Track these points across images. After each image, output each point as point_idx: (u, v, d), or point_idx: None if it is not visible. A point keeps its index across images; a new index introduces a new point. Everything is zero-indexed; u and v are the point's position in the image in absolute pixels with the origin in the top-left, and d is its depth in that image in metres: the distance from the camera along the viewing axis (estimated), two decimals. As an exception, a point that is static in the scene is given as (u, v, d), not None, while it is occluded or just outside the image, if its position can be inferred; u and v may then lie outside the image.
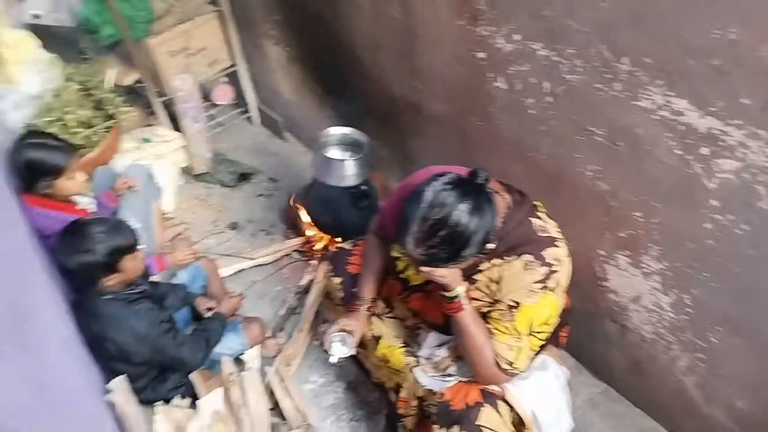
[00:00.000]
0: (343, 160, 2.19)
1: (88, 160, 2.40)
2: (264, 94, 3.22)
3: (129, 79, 2.81)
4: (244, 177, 3.01)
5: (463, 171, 1.35)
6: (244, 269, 2.56)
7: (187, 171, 3.01)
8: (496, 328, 1.43)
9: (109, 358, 1.81)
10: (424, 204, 1.24)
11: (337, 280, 1.89)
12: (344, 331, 1.70)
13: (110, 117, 2.58)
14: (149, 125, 3.00)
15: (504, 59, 1.62)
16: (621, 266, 1.72)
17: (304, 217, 2.57)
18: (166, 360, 1.87)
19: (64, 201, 2.03)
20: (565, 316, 1.67)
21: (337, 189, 2.24)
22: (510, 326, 1.41)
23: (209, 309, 2.14)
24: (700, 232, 1.44)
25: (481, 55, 1.68)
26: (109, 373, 1.81)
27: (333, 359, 1.69)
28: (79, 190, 2.06)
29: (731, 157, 1.27)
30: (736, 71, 1.16)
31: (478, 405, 1.44)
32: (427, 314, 1.69)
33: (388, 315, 1.81)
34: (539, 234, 1.40)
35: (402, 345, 1.73)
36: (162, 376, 1.95)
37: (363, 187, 2.26)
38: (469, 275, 1.45)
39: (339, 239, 2.54)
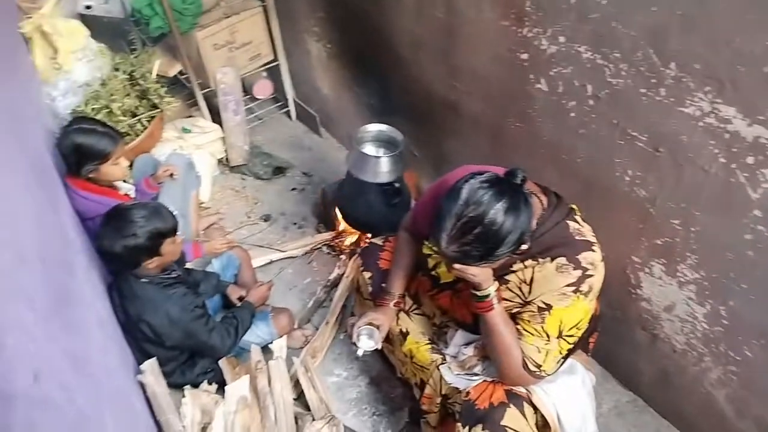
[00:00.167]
0: (378, 157, 2.21)
1: (130, 147, 2.47)
2: (302, 90, 3.27)
3: (173, 70, 2.88)
4: (278, 170, 3.06)
5: (500, 171, 1.35)
6: (274, 261, 2.61)
7: (223, 162, 3.08)
8: (525, 330, 1.43)
9: (142, 340, 1.86)
10: (460, 201, 1.24)
11: (367, 274, 1.90)
12: (372, 324, 1.71)
13: (154, 106, 2.65)
14: (190, 116, 3.08)
15: (547, 61, 1.61)
16: (655, 274, 1.70)
17: (336, 212, 2.60)
18: (196, 345, 1.92)
19: (107, 186, 2.09)
20: (595, 322, 1.66)
21: (370, 185, 2.25)
22: (540, 328, 1.40)
23: (240, 298, 2.18)
24: (740, 242, 1.41)
25: (523, 56, 1.68)
26: (141, 355, 1.87)
27: (359, 352, 1.71)
28: (122, 176, 2.12)
29: (778, 167, 1.24)
30: (789, 80, 1.14)
31: (503, 405, 1.44)
32: (456, 312, 1.69)
33: (416, 311, 1.82)
34: (575, 237, 1.39)
35: (428, 342, 1.74)
36: (191, 361, 2.00)
37: (396, 185, 2.27)
38: (500, 275, 1.45)
39: (369, 235, 2.56)
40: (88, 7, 2.76)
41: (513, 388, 1.48)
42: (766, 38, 1.13)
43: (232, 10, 2.76)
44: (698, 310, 1.63)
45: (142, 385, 1.77)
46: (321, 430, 1.80)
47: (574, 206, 1.46)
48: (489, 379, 1.53)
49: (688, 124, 1.36)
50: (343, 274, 2.49)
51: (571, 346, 1.45)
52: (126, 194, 2.20)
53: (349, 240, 2.64)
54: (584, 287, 1.36)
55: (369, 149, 2.31)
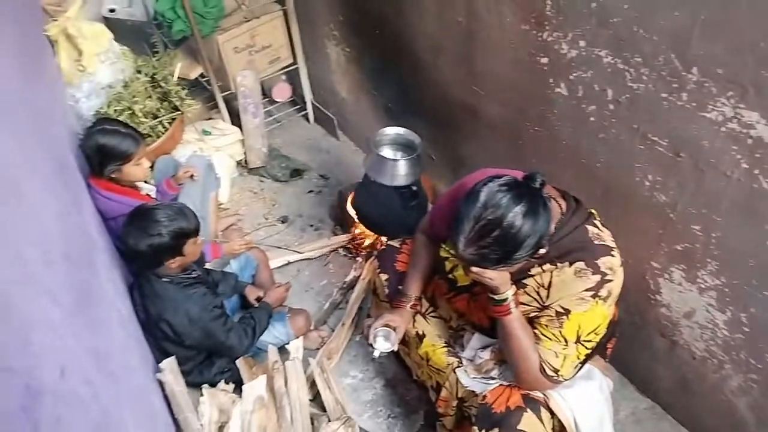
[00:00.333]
0: (396, 160, 2.22)
1: (151, 148, 2.51)
2: (320, 93, 3.29)
3: (194, 73, 2.92)
4: (296, 173, 3.08)
5: (518, 174, 1.35)
6: (291, 262, 2.62)
7: (242, 164, 3.11)
8: (543, 334, 1.42)
9: (162, 339, 1.88)
10: (478, 204, 1.25)
11: (384, 276, 1.91)
12: (388, 326, 1.72)
13: (175, 109, 2.69)
14: (210, 118, 3.12)
15: (567, 65, 1.61)
16: (675, 280, 1.68)
17: (353, 214, 2.61)
18: (214, 345, 1.94)
19: (129, 186, 2.13)
20: (613, 327, 1.65)
21: (387, 188, 2.26)
22: (557, 333, 1.40)
23: (258, 298, 2.20)
24: (762, 249, 1.39)
25: (543, 60, 1.68)
26: (160, 354, 1.89)
27: (375, 353, 1.71)
28: (144, 177, 2.16)
29: (803, 173, 1.23)
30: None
31: (520, 410, 1.43)
32: (473, 316, 1.69)
33: (432, 314, 1.82)
34: (594, 242, 1.38)
35: (444, 345, 1.74)
36: (209, 361, 2.02)
37: (413, 188, 2.27)
38: (518, 279, 1.44)
39: (386, 238, 2.57)
40: (112, 11, 2.81)
41: (530, 392, 1.47)
42: (792, 43, 1.12)
43: (253, 14, 2.80)
44: (719, 317, 1.62)
45: (161, 384, 1.80)
46: (337, 431, 1.81)
47: (593, 211, 1.46)
48: (506, 383, 1.53)
49: (710, 129, 1.35)
50: (359, 277, 2.50)
51: (589, 351, 1.44)
52: (147, 195, 2.24)
53: (366, 242, 2.65)
54: (603, 292, 1.36)
55: (386, 152, 2.32)
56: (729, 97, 1.27)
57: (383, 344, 1.71)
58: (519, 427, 1.41)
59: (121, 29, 2.85)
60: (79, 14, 2.51)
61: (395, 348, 1.71)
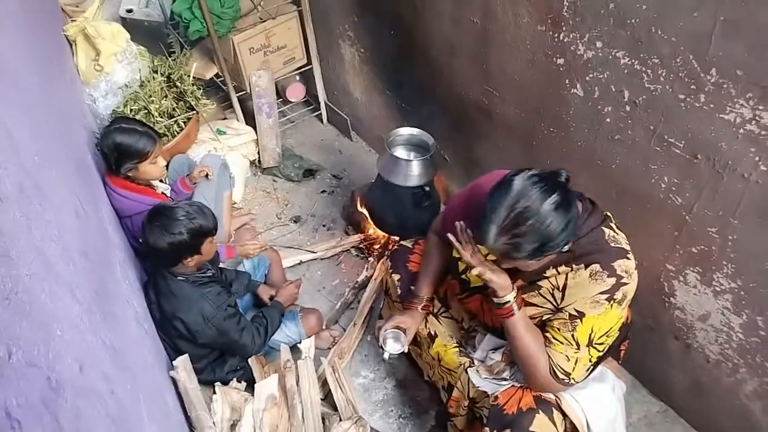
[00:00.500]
0: (409, 160, 2.22)
1: (167, 148, 2.54)
2: (334, 94, 3.31)
3: (209, 73, 2.95)
4: (309, 173, 3.10)
5: None
6: (303, 261, 2.63)
7: (256, 164, 3.13)
8: (554, 338, 1.42)
9: (175, 337, 1.90)
10: (512, 193, 1.23)
11: (396, 276, 1.91)
12: (398, 328, 1.72)
13: (190, 108, 2.71)
14: (224, 118, 3.14)
15: (583, 66, 1.60)
16: (690, 283, 1.67)
17: (365, 214, 2.61)
18: (227, 343, 1.95)
19: (145, 185, 2.15)
20: (626, 329, 1.64)
21: (400, 188, 2.26)
22: (570, 336, 1.39)
23: (271, 297, 2.22)
24: (781, 252, 1.38)
25: (559, 61, 1.67)
26: (174, 352, 1.91)
27: (385, 355, 1.72)
28: (160, 175, 2.18)
29: (822, 176, 1.21)
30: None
31: (532, 411, 1.43)
32: (485, 317, 1.68)
33: (444, 314, 1.83)
34: (610, 244, 1.37)
35: (456, 345, 1.74)
36: (222, 359, 2.04)
37: (426, 188, 2.28)
38: (533, 281, 1.44)
39: (398, 238, 2.57)
40: (129, 11, 2.85)
41: (542, 393, 1.47)
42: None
43: (268, 14, 2.81)
44: (734, 320, 1.60)
45: (174, 381, 1.81)
46: (348, 430, 1.82)
47: (608, 213, 1.45)
48: (517, 384, 1.53)
49: (728, 131, 1.34)
50: (371, 276, 2.51)
51: (601, 354, 1.43)
52: (163, 193, 2.26)
53: (378, 242, 2.66)
54: (618, 295, 1.35)
55: (400, 152, 2.33)
56: (748, 98, 1.26)
57: (393, 346, 1.71)
58: (531, 428, 1.41)
59: (138, 29, 2.88)
60: (97, 14, 2.55)
61: (405, 349, 1.72)
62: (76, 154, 1.81)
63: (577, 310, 1.38)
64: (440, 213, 1.85)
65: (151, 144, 2.04)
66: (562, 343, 1.40)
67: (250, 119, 3.05)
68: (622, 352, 1.72)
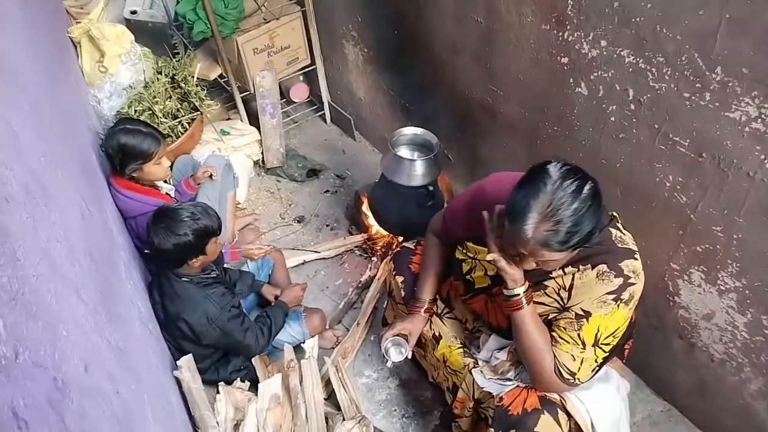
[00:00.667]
0: (413, 160, 2.22)
1: (171, 148, 2.54)
2: (337, 94, 3.31)
3: (213, 73, 2.95)
4: (313, 173, 3.10)
5: None
6: (307, 261, 2.64)
7: (259, 164, 3.13)
8: (560, 337, 1.41)
9: (179, 338, 1.91)
10: (551, 180, 1.20)
11: (400, 278, 1.90)
12: (400, 335, 1.72)
13: (194, 109, 2.72)
14: (228, 119, 3.15)
15: (588, 65, 1.60)
16: (694, 282, 1.67)
17: (369, 214, 2.61)
18: (231, 344, 1.96)
19: (149, 185, 2.16)
20: (630, 329, 1.63)
21: (403, 188, 2.26)
22: (576, 336, 1.39)
23: (275, 297, 2.22)
24: (786, 251, 1.38)
25: (564, 59, 1.67)
26: (177, 352, 1.92)
27: (389, 364, 1.73)
28: (164, 176, 2.18)
29: (829, 175, 1.21)
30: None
31: (537, 412, 1.43)
32: (490, 317, 1.68)
33: (448, 315, 1.82)
34: (617, 244, 1.37)
35: (460, 345, 1.74)
36: (225, 359, 2.04)
37: (430, 188, 2.28)
38: (539, 281, 1.43)
39: (402, 238, 2.57)
40: (133, 12, 2.85)
41: (547, 394, 1.47)
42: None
43: (272, 15, 2.82)
44: (738, 319, 1.60)
45: (178, 381, 1.82)
46: (351, 430, 1.82)
47: (615, 214, 1.44)
48: (522, 385, 1.52)
49: (733, 129, 1.33)
50: (374, 276, 2.51)
51: (607, 354, 1.43)
52: (167, 194, 2.26)
53: (381, 242, 2.66)
54: (625, 295, 1.34)
55: (404, 152, 2.33)
56: (754, 96, 1.25)
57: (395, 355, 1.72)
58: (536, 429, 1.40)
59: (142, 31, 2.89)
60: (101, 16, 2.56)
61: (409, 356, 1.72)
62: (80, 155, 1.81)
63: (583, 310, 1.38)
64: (438, 214, 1.84)
65: (155, 145, 2.04)
66: (567, 342, 1.40)
67: (253, 119, 3.05)
68: (627, 351, 1.72)
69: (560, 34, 1.64)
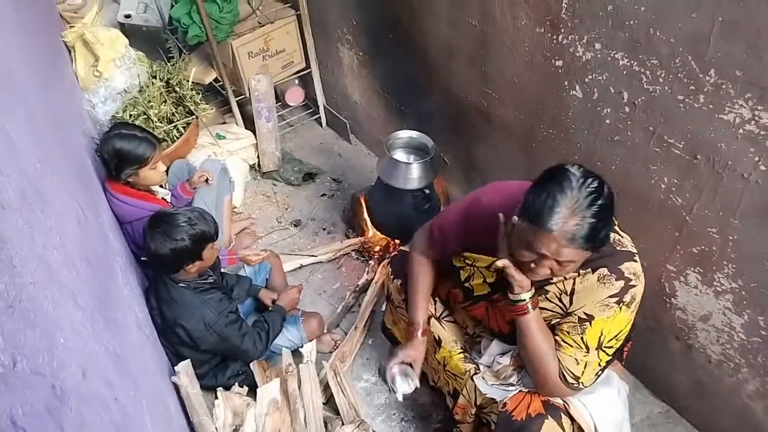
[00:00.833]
0: (409, 163, 2.22)
1: (166, 153, 2.53)
2: (333, 97, 3.31)
3: (208, 77, 2.95)
4: (309, 176, 3.10)
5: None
6: (304, 265, 2.63)
7: (255, 168, 3.13)
8: (564, 341, 1.41)
9: (177, 344, 1.90)
10: (576, 176, 1.20)
11: (398, 281, 1.89)
12: (404, 363, 1.67)
13: (189, 113, 2.71)
14: (223, 123, 3.15)
15: (582, 67, 1.61)
16: (691, 283, 1.67)
17: (366, 217, 2.62)
18: (229, 349, 1.95)
19: (145, 190, 2.15)
20: (630, 331, 1.63)
21: (400, 191, 2.27)
22: (579, 340, 1.39)
23: (273, 301, 2.21)
24: (781, 252, 1.39)
25: (558, 62, 1.68)
26: (175, 358, 1.91)
27: (398, 396, 1.65)
28: (160, 180, 2.18)
29: (822, 176, 1.22)
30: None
31: (541, 417, 1.42)
32: (491, 322, 1.67)
33: (447, 318, 1.81)
34: (617, 247, 1.37)
35: (461, 350, 1.73)
36: (223, 364, 2.04)
37: (426, 191, 2.28)
38: (540, 285, 1.43)
39: (398, 241, 2.58)
40: (127, 17, 2.84)
41: (550, 399, 1.46)
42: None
43: (267, 19, 2.82)
44: (735, 320, 1.60)
45: (176, 387, 1.81)
46: (351, 434, 1.82)
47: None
48: (525, 390, 1.52)
49: (727, 131, 1.34)
50: (372, 280, 2.51)
51: (610, 358, 1.43)
52: (163, 199, 2.26)
53: (378, 246, 2.66)
54: (627, 298, 1.35)
55: (399, 155, 2.33)
56: (747, 99, 1.26)
57: (404, 386, 1.65)
58: None
59: (136, 35, 2.88)
60: (96, 20, 2.56)
61: (418, 385, 1.67)
62: (76, 160, 1.80)
63: (586, 314, 1.38)
64: (422, 232, 1.77)
65: (150, 149, 2.04)
66: (571, 346, 1.40)
67: (249, 123, 3.05)
68: (625, 353, 1.72)
69: (554, 37, 1.64)
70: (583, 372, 1.40)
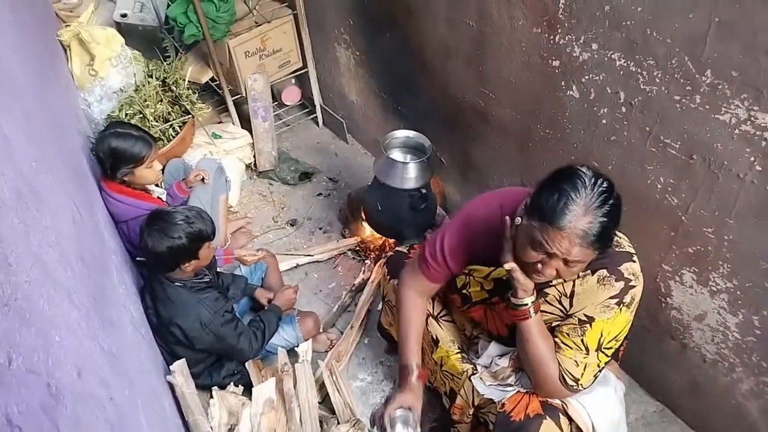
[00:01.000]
0: (406, 163, 2.22)
1: (162, 152, 2.53)
2: (329, 97, 3.31)
3: (205, 77, 2.94)
4: (305, 176, 3.09)
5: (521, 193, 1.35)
6: (300, 265, 2.63)
7: (251, 167, 3.12)
8: (563, 343, 1.42)
9: (172, 343, 1.89)
10: (588, 175, 1.21)
11: (394, 282, 1.87)
12: (402, 407, 1.60)
13: (185, 112, 2.71)
14: (220, 122, 3.14)
15: (579, 68, 1.61)
16: (686, 283, 1.68)
17: (362, 217, 2.61)
18: (225, 348, 1.94)
19: (141, 189, 2.14)
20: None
21: (396, 191, 2.27)
22: (579, 341, 1.39)
23: (269, 301, 2.21)
24: (776, 252, 1.39)
25: (555, 63, 1.68)
26: (170, 357, 1.90)
27: None
28: (156, 179, 2.17)
29: (817, 176, 1.22)
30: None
31: (539, 417, 1.43)
32: (489, 324, 1.67)
33: (444, 317, 1.81)
34: (615, 248, 1.37)
35: (458, 351, 1.73)
36: (218, 363, 2.03)
37: (423, 191, 2.28)
38: (540, 288, 1.43)
39: (394, 240, 2.58)
40: (123, 16, 2.84)
41: (548, 399, 1.47)
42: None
43: (264, 18, 2.81)
44: (730, 320, 1.61)
45: (171, 386, 1.80)
46: (346, 433, 1.81)
47: None
48: (523, 390, 1.52)
49: (723, 132, 1.35)
50: (368, 279, 2.51)
51: (609, 359, 1.43)
52: (158, 198, 2.25)
53: (374, 245, 2.66)
54: (627, 298, 1.35)
55: (396, 155, 2.33)
56: (743, 99, 1.27)
57: (403, 430, 1.56)
58: None
59: (132, 34, 2.88)
60: (91, 19, 2.55)
61: (419, 431, 1.61)
62: (71, 159, 1.80)
63: (586, 315, 1.38)
64: (411, 267, 1.69)
65: (146, 148, 2.03)
66: (571, 348, 1.40)
67: (245, 123, 3.04)
68: (621, 352, 1.72)
69: (551, 37, 1.65)
70: (582, 374, 1.40)
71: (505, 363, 1.61)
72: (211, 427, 1.78)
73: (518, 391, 1.52)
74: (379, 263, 2.53)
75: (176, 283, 1.84)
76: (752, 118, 1.27)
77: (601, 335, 1.38)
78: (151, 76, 2.67)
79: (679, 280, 1.70)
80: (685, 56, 1.33)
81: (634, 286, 1.35)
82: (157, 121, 2.59)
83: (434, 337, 1.76)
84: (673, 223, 1.61)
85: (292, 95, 3.32)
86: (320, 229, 2.85)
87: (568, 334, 1.41)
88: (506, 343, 1.64)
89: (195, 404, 1.79)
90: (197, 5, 2.47)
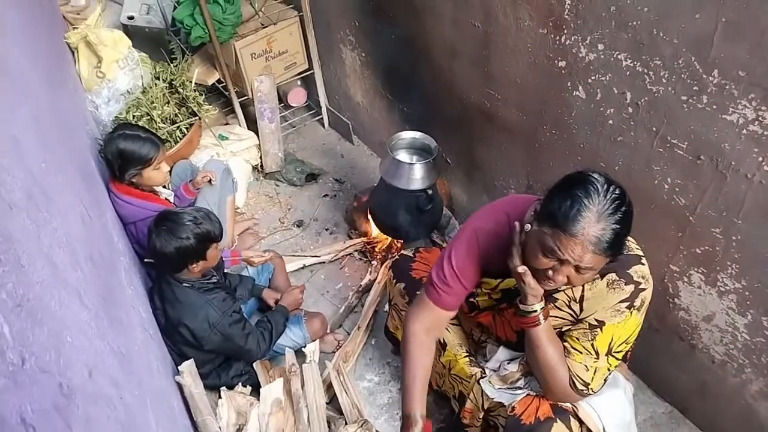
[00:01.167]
0: (412, 164, 2.23)
1: (169, 153, 2.54)
2: (335, 98, 3.32)
3: (211, 78, 2.96)
4: (311, 177, 3.10)
5: (529, 199, 1.35)
6: (307, 266, 2.64)
7: (258, 169, 3.13)
8: (573, 348, 1.41)
9: (181, 343, 1.90)
10: (600, 182, 1.20)
11: (401, 285, 1.88)
12: None
13: (192, 114, 2.72)
14: (226, 123, 3.15)
15: (585, 68, 1.61)
16: (694, 283, 1.67)
17: (368, 218, 2.62)
18: (233, 349, 1.95)
19: (148, 191, 2.16)
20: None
21: (402, 192, 2.27)
22: (589, 346, 1.39)
23: (276, 301, 2.22)
24: (785, 252, 1.39)
25: (561, 63, 1.68)
26: (179, 357, 1.91)
27: None
28: (164, 181, 2.19)
29: (826, 176, 1.22)
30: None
31: (550, 420, 1.42)
32: (497, 330, 1.66)
33: (453, 321, 1.78)
34: (624, 251, 1.37)
35: (466, 354, 1.72)
36: (226, 364, 2.04)
37: (429, 192, 2.28)
38: (549, 293, 1.42)
39: (401, 241, 2.58)
40: (130, 18, 2.86)
41: (559, 402, 1.47)
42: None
43: (270, 20, 2.82)
44: (739, 321, 1.60)
45: (179, 386, 1.81)
46: (354, 434, 1.82)
47: None
48: (533, 393, 1.52)
49: (731, 132, 1.34)
50: (374, 280, 2.51)
51: (618, 363, 1.43)
52: (166, 199, 2.26)
53: (381, 246, 2.66)
54: (637, 302, 1.35)
55: (402, 156, 2.34)
56: (751, 99, 1.26)
57: None
58: None
59: (139, 36, 2.90)
60: (99, 22, 2.56)
61: None
62: (80, 160, 1.81)
63: (597, 320, 1.38)
64: (421, 301, 1.58)
65: (154, 150, 2.05)
66: (581, 352, 1.40)
67: (252, 124, 3.06)
68: (629, 353, 1.72)
69: (557, 38, 1.65)
70: (592, 378, 1.40)
71: (514, 368, 1.60)
72: (220, 427, 1.78)
73: (528, 394, 1.52)
74: (385, 264, 2.54)
75: (184, 284, 1.85)
76: (760, 118, 1.27)
77: (612, 339, 1.37)
78: (158, 78, 2.69)
79: (687, 280, 1.69)
80: (692, 56, 1.33)
81: (644, 289, 1.35)
82: (164, 123, 2.61)
83: (442, 341, 1.76)
84: (680, 224, 1.61)
85: (298, 97, 3.33)
86: (326, 230, 2.86)
87: (578, 339, 1.41)
88: (515, 348, 1.63)
89: (203, 404, 1.81)
90: (204, 7, 2.48)
